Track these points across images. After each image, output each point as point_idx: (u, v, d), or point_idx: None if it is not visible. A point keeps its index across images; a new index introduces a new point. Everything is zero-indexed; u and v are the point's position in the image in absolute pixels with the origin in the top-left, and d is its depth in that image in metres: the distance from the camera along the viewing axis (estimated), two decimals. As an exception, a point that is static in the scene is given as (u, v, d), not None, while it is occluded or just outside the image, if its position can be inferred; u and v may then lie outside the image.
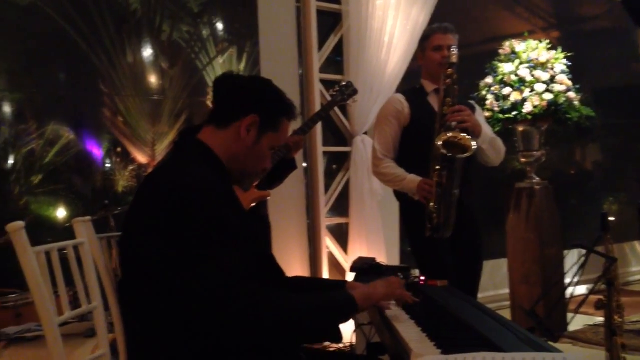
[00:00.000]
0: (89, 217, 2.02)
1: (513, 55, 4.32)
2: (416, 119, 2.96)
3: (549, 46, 4.32)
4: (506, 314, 4.07)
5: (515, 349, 1.36)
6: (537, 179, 4.39)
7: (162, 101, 4.41)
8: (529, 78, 4.18)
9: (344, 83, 3.52)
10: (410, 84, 3.36)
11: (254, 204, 3.16)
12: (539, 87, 4.13)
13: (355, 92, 3.49)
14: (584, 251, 2.68)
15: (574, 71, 4.29)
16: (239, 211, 1.69)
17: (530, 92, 4.15)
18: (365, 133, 4.36)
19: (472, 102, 3.19)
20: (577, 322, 4.14)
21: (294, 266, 4.16)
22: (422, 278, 2.25)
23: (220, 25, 4.69)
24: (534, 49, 4.29)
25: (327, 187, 4.47)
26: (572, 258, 4.49)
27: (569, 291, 4.13)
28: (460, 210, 2.78)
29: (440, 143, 2.66)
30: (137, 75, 4.36)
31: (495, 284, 5.19)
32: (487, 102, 4.29)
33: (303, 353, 1.70)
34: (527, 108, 4.12)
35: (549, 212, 4.34)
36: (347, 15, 4.41)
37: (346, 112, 4.41)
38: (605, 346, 2.45)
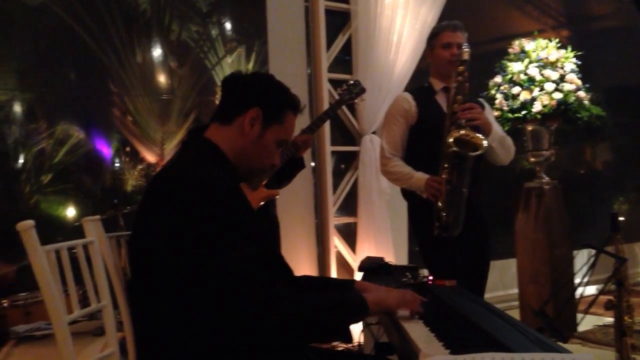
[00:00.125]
0: (98, 216, 2.03)
1: (522, 54, 4.30)
2: (424, 117, 2.95)
3: (559, 45, 4.30)
4: (515, 314, 4.06)
5: (524, 349, 1.35)
6: (546, 179, 4.37)
7: (171, 100, 4.43)
8: (538, 77, 4.16)
9: (351, 82, 3.52)
10: (418, 83, 3.35)
11: (262, 203, 3.16)
12: (549, 86, 4.11)
13: (363, 90, 3.49)
14: (593, 251, 2.67)
15: (583, 70, 4.27)
16: (247, 209, 1.69)
17: (540, 91, 4.13)
18: (374, 132, 4.35)
19: (481, 99, 3.17)
20: (586, 323, 4.12)
21: (302, 265, 4.16)
22: (431, 278, 2.24)
23: (228, 25, 4.70)
24: (543, 47, 4.26)
25: (336, 187, 4.47)
26: (582, 258, 4.46)
27: (579, 291, 4.11)
28: (469, 210, 2.77)
29: (451, 140, 2.64)
30: (146, 75, 4.38)
31: (504, 284, 5.17)
32: (496, 102, 4.27)
33: (311, 352, 1.69)
34: (537, 107, 4.10)
35: (558, 212, 4.32)
36: (356, 15, 4.40)
37: (354, 111, 4.41)
38: (615, 347, 2.44)
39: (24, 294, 3.20)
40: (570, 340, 3.91)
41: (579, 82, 4.18)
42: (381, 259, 2.86)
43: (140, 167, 4.33)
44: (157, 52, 4.43)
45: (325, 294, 1.70)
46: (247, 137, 1.68)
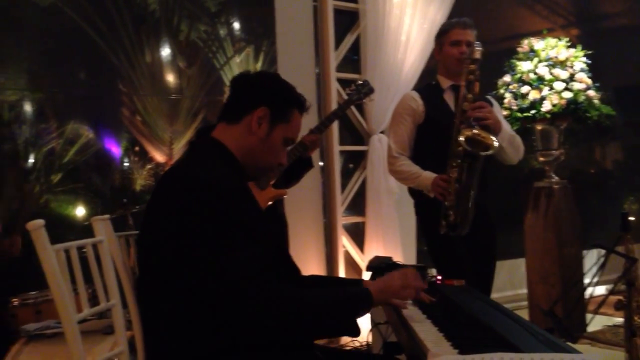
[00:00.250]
0: (107, 216, 2.04)
1: (532, 53, 4.28)
2: (431, 116, 2.94)
3: (568, 44, 4.27)
4: (524, 314, 4.04)
5: (534, 350, 1.35)
6: (555, 178, 4.35)
7: (179, 100, 4.44)
8: (547, 76, 4.14)
9: (360, 82, 3.52)
10: (427, 83, 3.33)
11: (270, 203, 3.16)
12: (558, 86, 4.09)
13: (371, 90, 3.48)
14: (603, 251, 2.66)
15: (593, 69, 4.24)
16: (254, 209, 1.69)
17: (549, 90, 4.11)
18: (382, 132, 4.35)
19: (489, 97, 3.14)
20: (596, 323, 4.09)
21: (311, 265, 4.17)
22: (439, 277, 2.24)
23: (237, 25, 4.71)
24: (553, 46, 4.24)
25: (344, 186, 4.47)
26: (592, 258, 4.44)
27: (588, 291, 4.09)
28: (476, 209, 2.75)
29: (462, 139, 2.62)
30: (155, 75, 4.40)
31: (512, 283, 5.15)
32: (505, 101, 4.25)
33: (319, 351, 1.70)
34: (546, 107, 4.08)
35: (567, 212, 4.30)
36: (364, 14, 4.40)
37: (363, 111, 4.40)
38: (625, 347, 2.43)
39: (34, 292, 3.22)
40: (580, 340, 3.89)
41: (589, 81, 4.16)
42: (389, 258, 2.85)
43: (149, 166, 4.34)
44: (166, 52, 4.45)
45: (328, 289, 1.70)
46: (255, 136, 1.68)
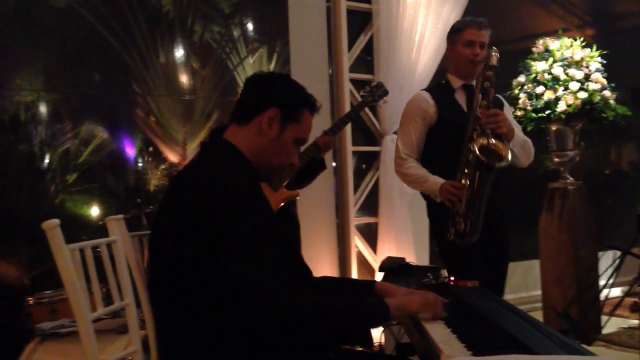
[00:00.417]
0: (121, 216, 2.05)
1: (547, 53, 4.25)
2: (443, 118, 2.88)
3: (584, 44, 4.24)
4: (538, 316, 4.02)
5: (548, 352, 1.34)
6: (570, 179, 4.31)
7: (193, 101, 4.46)
8: (562, 76, 4.11)
9: (374, 84, 3.51)
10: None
11: (283, 204, 3.17)
12: (573, 86, 4.05)
13: (385, 93, 3.48)
14: (619, 252, 2.63)
15: (609, 69, 4.21)
16: (266, 210, 1.69)
17: (564, 90, 4.08)
18: (395, 133, 4.33)
19: (499, 96, 3.06)
20: (611, 325, 4.06)
21: (323, 265, 4.16)
22: (452, 278, 2.23)
23: (250, 26, 4.72)
24: (568, 46, 4.21)
25: (357, 187, 4.47)
26: (607, 259, 4.40)
27: (603, 293, 4.06)
28: (489, 210, 2.72)
29: (476, 148, 2.56)
30: (169, 75, 4.42)
31: (527, 285, 5.12)
32: (520, 101, 4.23)
33: (331, 352, 1.69)
34: (561, 107, 4.05)
35: (582, 213, 4.26)
36: (377, 15, 4.39)
37: (376, 111, 4.40)
38: (641, 350, 2.40)
39: (49, 291, 3.25)
40: (595, 342, 3.86)
41: (604, 81, 4.12)
42: (402, 259, 2.85)
43: (162, 167, 4.37)
44: (179, 52, 4.47)
45: (347, 297, 1.70)
46: (266, 137, 1.69)
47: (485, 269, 2.78)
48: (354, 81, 4.38)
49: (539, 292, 4.51)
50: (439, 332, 1.60)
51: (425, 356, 1.61)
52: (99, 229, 3.51)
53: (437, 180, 2.78)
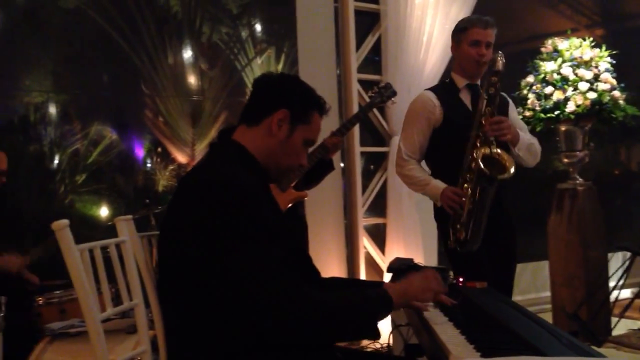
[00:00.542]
0: (130, 216, 2.06)
1: (555, 53, 4.23)
2: (449, 119, 2.82)
3: (593, 44, 4.22)
4: (547, 318, 4.00)
5: (558, 353, 1.33)
6: (580, 180, 4.29)
7: (201, 102, 4.48)
8: (572, 77, 4.09)
9: (382, 84, 3.50)
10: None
11: (291, 204, 3.17)
12: (583, 86, 4.03)
13: (394, 93, 3.47)
14: (628, 254, 2.62)
15: (618, 69, 4.18)
16: (274, 210, 1.70)
17: (573, 91, 4.06)
18: (403, 133, 4.32)
19: (504, 94, 2.99)
20: (621, 327, 4.04)
21: (331, 266, 4.16)
22: (461, 279, 2.22)
23: (258, 26, 4.73)
24: (577, 47, 4.19)
25: (365, 187, 4.46)
26: (617, 261, 4.38)
27: (613, 294, 4.04)
28: (496, 212, 2.69)
29: (479, 159, 2.52)
30: (178, 76, 4.44)
31: (536, 286, 5.10)
32: (529, 101, 4.21)
33: (340, 352, 1.69)
34: (570, 107, 4.03)
35: (592, 214, 4.24)
36: (385, 15, 4.38)
37: (384, 112, 4.39)
38: (651, 352, 2.38)
39: (58, 291, 3.27)
40: (605, 344, 3.84)
41: (614, 81, 4.10)
42: (410, 260, 2.83)
43: (171, 167, 4.38)
44: (188, 53, 4.48)
45: (348, 292, 1.70)
46: (275, 138, 1.69)
47: (493, 270, 2.76)
48: (361, 82, 4.38)
49: (548, 294, 4.49)
50: (447, 333, 1.59)
51: (434, 357, 1.61)
52: (108, 230, 3.52)
53: (439, 185, 2.74)
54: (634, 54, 5.57)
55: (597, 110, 4.05)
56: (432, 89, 2.96)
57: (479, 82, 2.88)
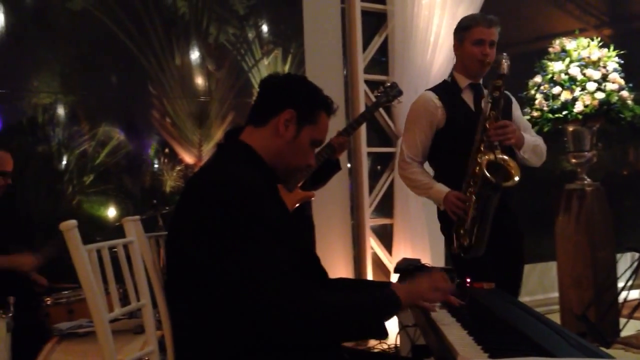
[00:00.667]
0: (138, 217, 2.07)
1: (563, 53, 4.21)
2: (451, 120, 2.78)
3: (601, 44, 4.20)
4: (555, 319, 3.98)
5: (566, 354, 1.33)
6: (588, 180, 4.27)
7: (208, 103, 4.48)
8: (579, 77, 4.07)
9: (388, 84, 3.50)
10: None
11: (298, 205, 3.17)
12: (591, 86, 4.02)
13: (399, 93, 3.46)
14: (637, 254, 2.60)
15: (626, 69, 4.16)
16: (282, 210, 1.70)
17: (581, 91, 4.05)
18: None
19: (507, 93, 2.92)
20: (630, 327, 4.02)
21: (338, 267, 4.16)
22: (468, 280, 2.21)
23: (265, 27, 4.73)
24: (585, 47, 4.17)
25: (372, 188, 4.46)
26: (625, 261, 4.36)
27: (622, 295, 4.02)
28: (503, 213, 2.66)
29: (484, 165, 2.48)
30: (185, 77, 4.45)
31: (544, 287, 5.08)
32: (536, 102, 4.20)
33: (347, 353, 1.69)
34: (578, 107, 4.01)
35: (600, 214, 4.22)
36: (392, 15, 4.38)
37: (391, 112, 4.39)
38: (661, 353, 2.37)
39: (66, 292, 3.28)
40: (613, 345, 3.81)
41: (622, 81, 4.08)
42: (417, 260, 2.83)
43: (178, 168, 4.39)
44: (195, 54, 4.49)
45: (356, 293, 1.70)
46: (282, 139, 1.69)
47: (500, 272, 2.73)
48: (368, 82, 4.38)
49: (556, 295, 4.47)
50: (455, 334, 1.59)
51: (441, 358, 1.60)
52: (115, 230, 3.54)
53: (442, 189, 2.71)
54: (643, 53, 5.54)
55: (605, 111, 4.03)
56: (433, 89, 2.92)
57: (481, 82, 2.85)
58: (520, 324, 1.62)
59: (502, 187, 2.49)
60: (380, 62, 4.56)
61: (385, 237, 4.48)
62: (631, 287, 3.96)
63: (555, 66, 4.19)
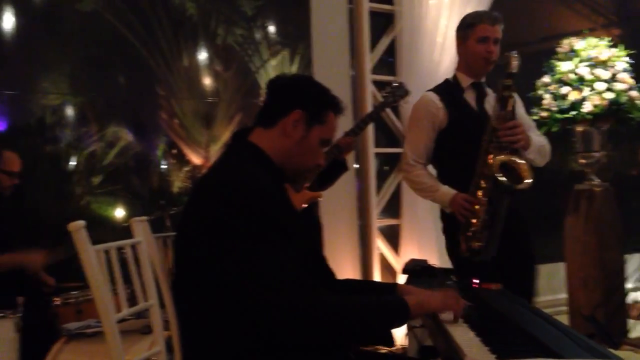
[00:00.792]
0: (145, 217, 2.07)
1: (572, 53, 4.19)
2: (454, 120, 2.73)
3: (610, 44, 4.18)
4: (563, 320, 3.96)
5: (574, 356, 1.32)
6: (597, 181, 4.25)
7: (216, 103, 4.50)
8: (588, 77, 4.05)
9: (395, 84, 3.49)
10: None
11: (305, 205, 3.17)
12: (600, 86, 3.99)
13: (406, 93, 3.46)
14: (646, 256, 2.59)
15: (636, 69, 4.14)
16: (290, 211, 1.70)
17: (590, 91, 4.02)
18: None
19: None
20: (638, 329, 3.99)
21: (345, 267, 4.16)
22: (476, 281, 2.21)
23: (272, 28, 4.75)
24: (594, 46, 4.15)
25: (379, 188, 4.45)
26: (634, 262, 4.34)
27: (631, 296, 4.00)
28: (510, 216, 2.59)
29: (497, 167, 2.44)
30: (192, 78, 4.47)
31: (552, 288, 5.05)
32: (545, 102, 4.18)
33: (352, 354, 1.69)
34: (587, 107, 3.99)
35: (609, 215, 4.20)
36: (400, 16, 4.37)
37: (398, 113, 4.38)
38: (670, 355, 2.36)
39: (75, 292, 3.30)
40: (622, 346, 3.80)
41: (632, 81, 4.05)
42: (425, 261, 2.82)
43: (186, 168, 4.41)
44: (202, 55, 4.51)
45: (365, 298, 1.69)
46: (291, 139, 1.69)
47: (511, 275, 2.68)
48: (376, 83, 4.37)
49: (564, 296, 4.45)
50: (462, 335, 1.58)
51: (448, 359, 1.60)
52: (123, 231, 3.55)
53: (448, 191, 2.67)
54: (652, 53, 5.51)
55: (615, 111, 4.01)
56: (435, 89, 2.87)
57: (483, 80, 2.82)
58: (528, 325, 1.62)
59: (515, 189, 2.45)
60: (388, 62, 4.56)
61: (393, 237, 4.47)
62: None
63: (564, 66, 4.16)
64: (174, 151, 4.42)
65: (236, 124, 4.50)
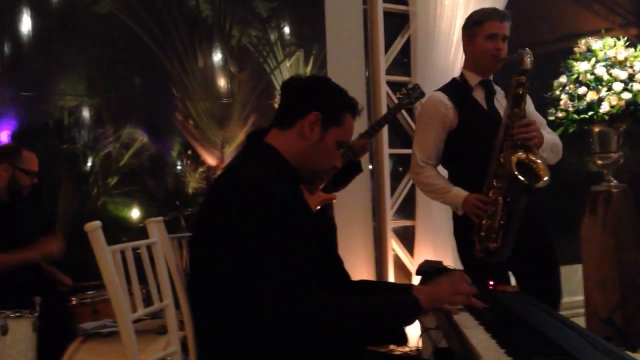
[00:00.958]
0: (161, 218, 2.08)
1: (589, 53, 4.15)
2: (464, 120, 2.69)
3: (627, 43, 4.14)
4: (580, 322, 3.93)
5: (591, 359, 1.31)
6: (614, 182, 4.21)
7: (231, 104, 4.51)
8: (606, 77, 4.01)
9: (410, 86, 3.48)
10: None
11: (319, 207, 3.17)
12: (617, 86, 3.96)
13: (422, 95, 3.45)
14: (665, 258, 2.56)
15: (654, 69, 4.09)
16: (305, 212, 1.70)
17: (607, 91, 3.99)
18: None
19: None
20: (657, 332, 3.94)
21: (360, 268, 4.15)
22: (491, 283, 2.19)
23: (287, 29, 4.75)
24: (611, 46, 4.11)
25: (393, 190, 4.44)
26: (653, 265, 4.28)
27: (649, 299, 3.95)
28: (526, 219, 2.57)
29: (514, 166, 2.41)
30: (208, 80, 4.48)
31: (569, 290, 5.00)
32: (562, 102, 4.15)
33: (367, 355, 1.69)
34: (604, 108, 3.95)
35: (627, 216, 4.15)
36: (415, 16, 4.36)
37: (413, 114, 4.37)
38: (689, 359, 2.32)
39: (91, 292, 3.32)
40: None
41: (650, 81, 4.01)
42: (440, 262, 2.81)
43: (201, 169, 4.43)
44: (217, 57, 4.53)
45: (376, 296, 1.69)
46: (307, 141, 1.69)
47: (533, 277, 2.65)
48: (390, 83, 4.37)
49: (581, 298, 4.41)
50: (478, 337, 1.57)
51: (464, 361, 1.59)
52: (139, 231, 3.58)
53: (460, 193, 2.63)
54: (671, 53, 5.44)
55: (632, 111, 3.97)
56: (442, 89, 2.84)
57: (491, 78, 2.78)
58: (544, 327, 1.60)
59: (534, 188, 2.42)
60: (403, 63, 4.55)
61: (407, 238, 4.45)
62: (659, 291, 3.89)
63: (581, 66, 4.13)
64: (189, 152, 4.44)
65: (251, 125, 4.51)
